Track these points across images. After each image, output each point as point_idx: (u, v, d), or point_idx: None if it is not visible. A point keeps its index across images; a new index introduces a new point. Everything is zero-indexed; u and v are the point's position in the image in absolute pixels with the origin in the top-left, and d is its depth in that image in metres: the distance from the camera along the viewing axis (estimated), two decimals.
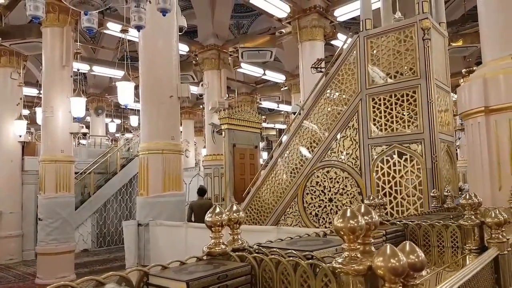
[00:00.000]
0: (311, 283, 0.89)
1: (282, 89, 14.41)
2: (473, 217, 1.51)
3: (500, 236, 1.46)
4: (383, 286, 0.73)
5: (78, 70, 8.52)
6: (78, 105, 7.72)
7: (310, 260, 0.92)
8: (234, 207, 1.13)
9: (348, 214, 0.81)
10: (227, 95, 14.45)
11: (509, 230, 2.16)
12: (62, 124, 8.23)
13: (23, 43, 9.11)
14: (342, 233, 0.80)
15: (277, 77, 13.64)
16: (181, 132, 18.90)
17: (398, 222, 1.71)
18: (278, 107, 17.59)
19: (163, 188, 5.32)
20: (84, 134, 9.64)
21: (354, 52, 4.93)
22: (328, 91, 5.23)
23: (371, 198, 1.79)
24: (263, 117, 20.21)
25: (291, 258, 0.94)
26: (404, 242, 0.82)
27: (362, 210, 0.88)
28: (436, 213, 2.33)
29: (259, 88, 15.97)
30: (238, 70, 12.45)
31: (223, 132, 6.35)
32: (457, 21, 10.84)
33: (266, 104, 18.19)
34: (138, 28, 3.18)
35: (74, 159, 8.60)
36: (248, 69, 12.18)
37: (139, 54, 5.74)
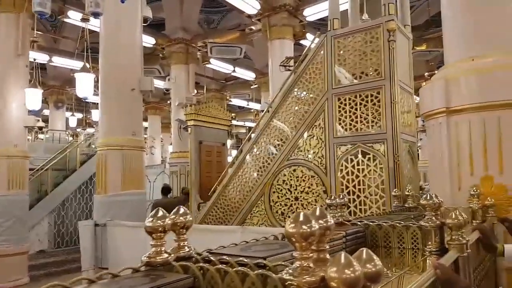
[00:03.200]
0: None
1: (252, 87, 14.33)
2: (433, 218, 1.48)
3: (460, 238, 1.44)
4: None
5: (34, 60, 7.99)
6: (34, 97, 7.25)
7: (260, 270, 0.82)
8: (181, 210, 1.02)
9: (301, 218, 0.72)
10: (195, 91, 14.21)
11: (468, 230, 2.19)
12: (16, 117, 7.71)
13: None
14: (293, 240, 0.72)
15: (247, 75, 13.55)
16: (146, 128, 18.47)
17: (359, 223, 1.66)
18: (248, 105, 17.52)
19: (122, 186, 5.08)
20: (40, 128, 9.11)
21: (322, 51, 4.92)
22: (296, 89, 5.20)
23: (333, 197, 1.73)
24: (232, 114, 20.12)
25: (240, 267, 0.84)
26: (361, 249, 0.74)
27: (317, 213, 0.80)
28: (398, 213, 2.33)
29: (229, 85, 15.82)
30: (208, 66, 12.23)
31: (189, 129, 6.17)
32: (422, 26, 11.21)
33: (236, 101, 18.06)
34: (95, 14, 3.00)
35: (28, 154, 8.10)
36: (218, 65, 12.00)
37: (99, 44, 5.44)
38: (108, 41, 5.35)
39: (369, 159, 4.47)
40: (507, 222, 2.16)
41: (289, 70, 6.23)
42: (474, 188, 2.41)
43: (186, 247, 1.01)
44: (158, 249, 0.94)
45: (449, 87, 2.74)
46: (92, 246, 5.09)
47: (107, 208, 5.10)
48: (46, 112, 16.33)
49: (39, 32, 12.30)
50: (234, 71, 12.49)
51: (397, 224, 1.56)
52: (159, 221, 0.94)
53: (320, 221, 0.78)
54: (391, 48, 4.44)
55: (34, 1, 3.00)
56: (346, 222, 1.70)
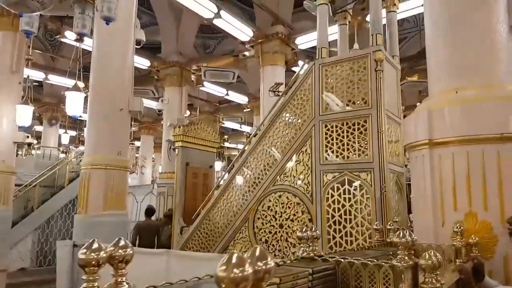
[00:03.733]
0: None
1: (244, 110, 14.40)
2: (406, 257, 1.40)
3: (434, 281, 1.35)
4: None
5: (28, 76, 7.99)
6: (24, 114, 7.19)
7: None
8: (121, 242, 0.93)
9: (234, 260, 0.65)
10: (189, 113, 14.22)
11: (449, 270, 2.09)
12: (6, 132, 7.64)
13: None
14: (223, 286, 0.64)
15: (240, 98, 13.63)
16: (139, 147, 18.34)
17: (330, 259, 1.57)
18: (240, 127, 17.55)
19: (104, 206, 4.94)
20: (29, 144, 8.98)
21: (309, 78, 4.94)
22: (284, 114, 5.18)
23: (304, 230, 1.65)
24: (225, 136, 20.12)
25: None
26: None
27: (257, 253, 0.72)
28: (377, 248, 2.23)
29: (222, 108, 15.88)
30: (202, 88, 12.31)
31: (176, 150, 6.09)
32: (414, 56, 11.41)
33: (229, 124, 18.09)
34: (81, 35, 2.97)
35: (15, 170, 7.95)
36: (212, 88, 12.08)
37: (91, 64, 5.44)
38: (99, 61, 5.35)
39: (355, 188, 4.39)
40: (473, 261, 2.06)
41: (278, 95, 6.24)
42: (458, 225, 2.33)
43: (124, 284, 0.92)
44: (90, 285, 0.85)
45: (432, 118, 2.71)
46: (69, 268, 4.89)
47: (87, 228, 4.94)
48: (39, 128, 16.24)
49: (38, 51, 12.43)
50: (227, 94, 12.56)
51: (369, 262, 1.48)
52: (93, 254, 0.86)
53: (259, 263, 0.70)
54: (378, 77, 4.46)
55: (21, 20, 2.99)
56: (317, 258, 1.61)
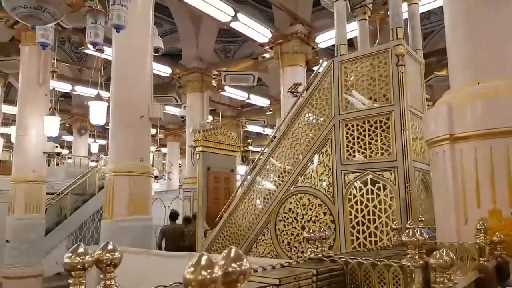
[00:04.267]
0: None
1: (267, 113, 14.37)
2: (416, 257, 1.32)
3: (446, 280, 1.27)
4: None
5: (53, 88, 8.33)
6: (52, 124, 7.49)
7: None
8: (110, 246, 0.93)
9: (203, 262, 0.62)
10: (212, 118, 14.36)
11: (470, 269, 1.98)
12: (35, 143, 7.99)
13: (2, 60, 8.95)
14: None
15: (262, 101, 13.62)
16: (165, 154, 18.70)
17: (338, 259, 1.51)
18: (264, 131, 17.53)
19: (128, 212, 5.05)
20: (58, 154, 9.37)
21: (328, 77, 4.85)
22: (302, 115, 5.11)
23: (311, 230, 1.60)
24: (249, 140, 20.15)
25: None
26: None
27: (232, 255, 0.69)
28: (393, 248, 2.14)
29: (244, 112, 15.93)
30: (223, 93, 12.40)
31: (197, 155, 6.14)
32: (442, 50, 10.99)
33: (253, 128, 18.12)
34: (94, 44, 3.04)
35: (45, 179, 8.30)
36: (233, 92, 12.14)
37: (111, 73, 5.59)
38: (119, 70, 5.49)
39: (379, 188, 4.27)
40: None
41: (296, 96, 6.17)
42: (481, 223, 2.20)
43: (113, 287, 0.92)
44: None
45: (453, 112, 2.58)
46: (96, 274, 5.01)
47: (112, 233, 5.05)
48: (70, 138, 16.91)
49: (65, 64, 12.95)
50: (248, 98, 12.57)
51: (378, 263, 1.41)
52: (78, 258, 0.86)
53: (233, 265, 0.67)
54: (400, 73, 4.31)
55: (37, 32, 3.10)
56: (325, 259, 1.55)
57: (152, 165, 16.76)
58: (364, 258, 1.48)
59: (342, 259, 1.50)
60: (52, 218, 11.41)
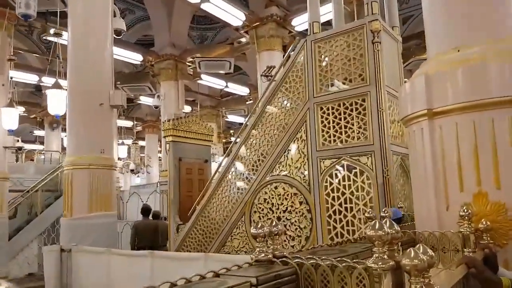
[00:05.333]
0: None
1: (247, 102, 14.01)
2: (385, 256, 1.02)
3: (423, 286, 0.96)
4: None
5: (11, 78, 7.76)
6: (11, 117, 6.96)
7: None
8: None
9: None
10: (190, 108, 13.92)
11: (453, 264, 1.70)
12: None
13: None
14: None
15: (241, 90, 13.23)
16: (143, 146, 18.17)
17: (290, 261, 1.20)
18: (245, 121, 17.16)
19: (90, 208, 4.65)
20: (20, 148, 8.81)
21: (301, 58, 4.53)
22: (276, 99, 4.79)
23: (259, 226, 1.28)
24: (231, 131, 19.75)
25: None
26: None
27: None
28: (359, 242, 1.84)
29: (224, 102, 15.51)
30: (201, 82, 11.95)
31: (167, 145, 5.77)
32: (422, 33, 10.80)
33: (235, 118, 17.69)
34: (25, 17, 2.62)
35: (8, 175, 7.80)
36: (210, 80, 11.70)
37: (67, 58, 5.12)
38: (75, 54, 5.03)
39: (355, 174, 4.01)
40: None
41: (270, 80, 5.84)
42: (465, 208, 1.92)
43: None
44: None
45: (430, 84, 2.29)
46: (57, 274, 4.63)
47: (72, 232, 4.66)
48: (42, 133, 16.21)
49: (35, 55, 12.27)
50: (226, 86, 12.15)
51: (338, 265, 1.10)
52: None
53: None
54: (376, 50, 4.03)
55: (18, 1, 2.64)
56: (275, 260, 1.23)
57: (130, 159, 16.20)
58: (323, 258, 1.16)
59: (296, 260, 1.18)
60: (22, 216, 10.84)
